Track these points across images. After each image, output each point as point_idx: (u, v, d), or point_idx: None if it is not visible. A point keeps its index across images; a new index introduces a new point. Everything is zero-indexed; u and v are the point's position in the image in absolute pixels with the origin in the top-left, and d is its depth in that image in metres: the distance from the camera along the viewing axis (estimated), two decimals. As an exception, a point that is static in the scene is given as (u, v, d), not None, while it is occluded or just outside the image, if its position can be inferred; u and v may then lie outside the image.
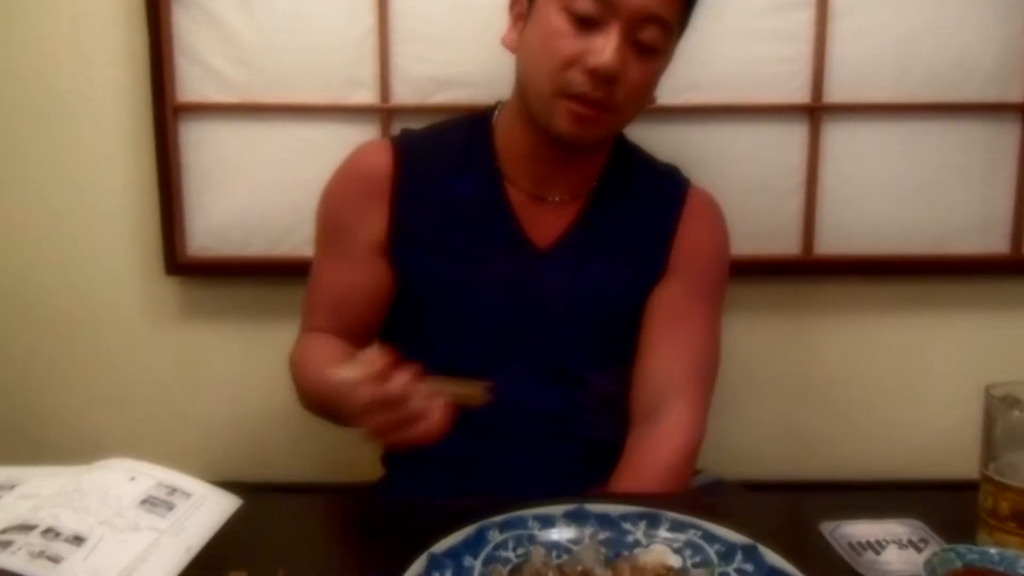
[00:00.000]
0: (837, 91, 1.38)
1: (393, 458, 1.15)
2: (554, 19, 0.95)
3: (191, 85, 1.39)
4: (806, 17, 1.36)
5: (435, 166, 1.06)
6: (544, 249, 1.05)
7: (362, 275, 1.06)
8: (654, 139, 1.28)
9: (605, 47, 0.92)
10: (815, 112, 1.39)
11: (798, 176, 1.41)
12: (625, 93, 0.96)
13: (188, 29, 1.36)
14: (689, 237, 1.08)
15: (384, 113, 1.39)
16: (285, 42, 1.37)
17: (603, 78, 0.93)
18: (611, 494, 0.95)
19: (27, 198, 1.44)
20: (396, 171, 1.05)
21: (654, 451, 0.99)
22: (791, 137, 1.40)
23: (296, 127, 1.40)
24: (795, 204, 1.41)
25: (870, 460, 1.50)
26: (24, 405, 1.50)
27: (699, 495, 1.07)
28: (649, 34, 0.94)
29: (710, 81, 1.38)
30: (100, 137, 1.42)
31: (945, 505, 0.84)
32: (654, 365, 1.04)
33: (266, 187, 1.41)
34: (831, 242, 1.42)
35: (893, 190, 1.41)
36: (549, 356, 1.06)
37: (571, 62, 0.94)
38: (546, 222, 1.06)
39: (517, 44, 1.01)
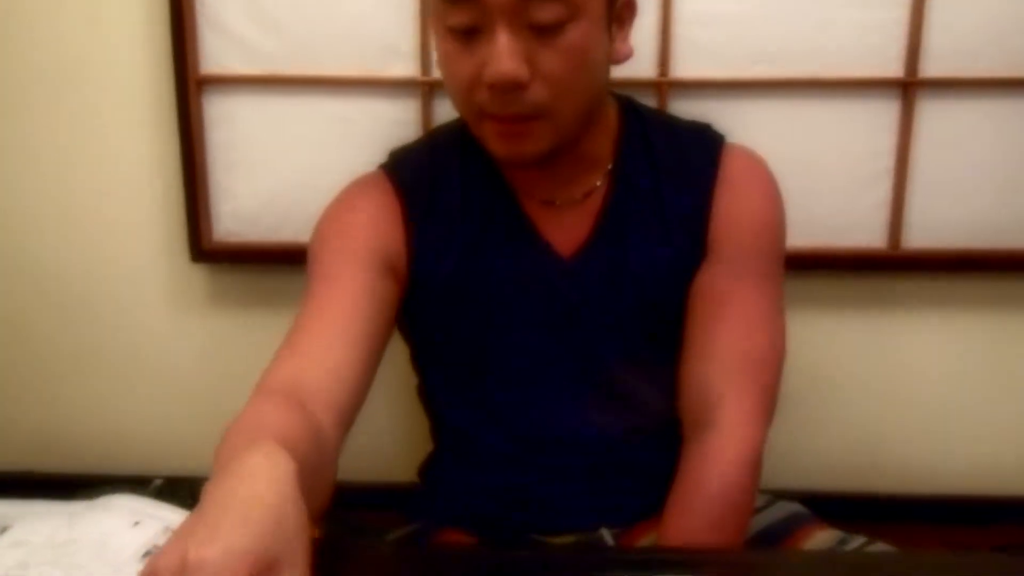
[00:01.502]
0: (935, 64, 1.22)
1: (432, 476, 1.05)
2: (443, 44, 0.83)
3: (215, 56, 1.27)
4: (902, -21, 1.20)
5: (438, 188, 0.94)
6: (569, 258, 0.93)
7: (366, 291, 0.88)
8: (721, 117, 1.14)
9: (492, 55, 0.78)
10: (909, 88, 1.22)
11: (886, 160, 1.25)
12: (548, 88, 0.80)
13: (212, -6, 1.25)
14: (727, 207, 0.92)
15: (425, 87, 1.26)
16: (317, 9, 1.25)
17: (506, 88, 0.79)
18: (672, 548, 0.84)
19: (43, 181, 1.35)
20: (401, 198, 0.94)
21: (704, 470, 0.87)
22: (880, 116, 1.24)
23: (329, 102, 1.28)
24: (882, 192, 1.26)
25: (951, 474, 1.36)
26: (45, 395, 1.43)
27: (776, 547, 0.94)
28: (544, 12, 0.77)
29: (788, 52, 1.22)
30: (118, 113, 1.32)
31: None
32: (699, 364, 0.91)
33: (297, 168, 1.30)
34: (921, 235, 1.27)
35: (993, 177, 1.25)
36: (592, 376, 0.94)
37: (472, 84, 0.81)
38: (567, 227, 0.93)
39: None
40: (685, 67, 1.24)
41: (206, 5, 1.25)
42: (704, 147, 0.95)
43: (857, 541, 0.90)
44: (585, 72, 0.82)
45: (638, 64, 1.23)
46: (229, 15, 1.25)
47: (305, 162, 1.30)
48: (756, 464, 0.88)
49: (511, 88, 0.79)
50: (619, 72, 0.93)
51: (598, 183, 0.93)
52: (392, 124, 1.27)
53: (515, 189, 0.93)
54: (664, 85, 1.24)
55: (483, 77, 0.79)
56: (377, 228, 0.92)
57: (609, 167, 0.93)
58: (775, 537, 0.94)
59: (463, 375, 0.97)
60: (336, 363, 0.81)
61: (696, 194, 0.92)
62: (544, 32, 0.78)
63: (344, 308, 0.86)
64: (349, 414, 0.82)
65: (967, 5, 1.20)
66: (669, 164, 0.93)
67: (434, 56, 1.15)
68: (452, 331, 0.95)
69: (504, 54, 0.77)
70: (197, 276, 1.36)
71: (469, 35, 0.80)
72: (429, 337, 0.98)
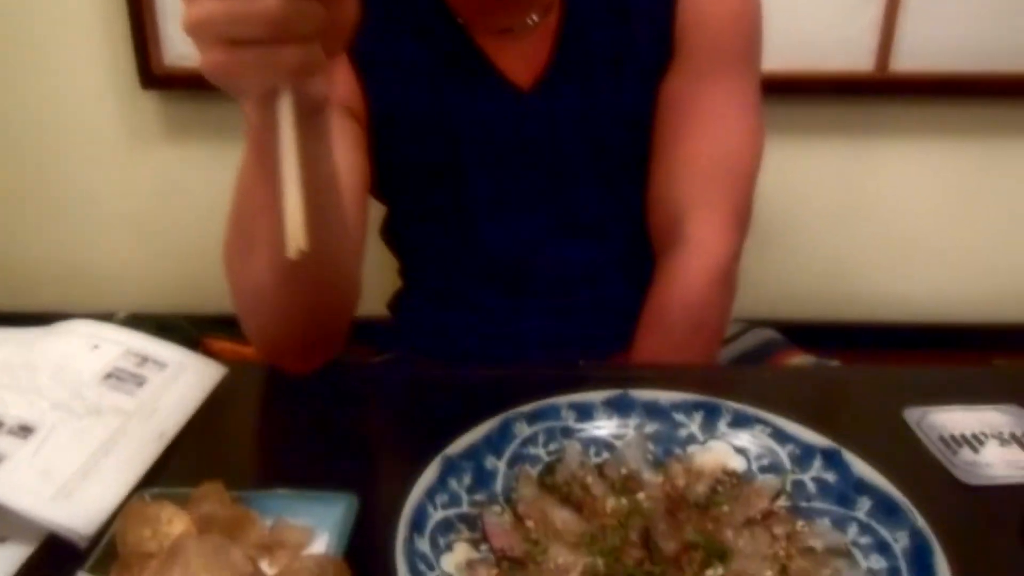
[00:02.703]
0: None
1: (402, 312, 1.03)
2: None
3: None
4: None
5: (384, 24, 0.84)
6: (528, 89, 0.85)
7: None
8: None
9: None
10: None
11: (879, -24, 1.19)
12: None
13: None
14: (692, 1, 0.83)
15: None
16: None
17: None
18: (647, 365, 0.83)
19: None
20: None
21: (669, 288, 0.83)
22: (876, -73, 1.17)
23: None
24: (872, 11, 1.20)
25: (927, 303, 1.37)
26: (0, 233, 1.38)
27: (751, 365, 0.94)
28: None
29: None
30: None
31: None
32: (665, 178, 0.85)
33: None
34: (910, 57, 1.22)
35: (989, -3, 1.20)
36: (565, 209, 0.89)
37: None
38: (525, 57, 0.85)
39: None
40: None
41: None
42: None
43: (832, 364, 0.90)
44: None
45: None
46: None
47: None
48: (725, 280, 0.83)
49: None
50: None
51: (553, 2, 0.84)
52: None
53: (466, 21, 0.85)
54: None
55: None
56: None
57: None
58: (751, 363, 0.94)
59: (431, 215, 0.92)
60: None
61: None
62: None
63: None
64: (360, 249, 0.79)
65: None
66: None
67: None
68: (416, 172, 0.89)
69: None
70: (149, 104, 1.29)
71: None
72: (393, 177, 0.92)
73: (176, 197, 1.35)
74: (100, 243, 1.38)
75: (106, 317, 1.29)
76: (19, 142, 1.32)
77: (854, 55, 1.22)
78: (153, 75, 1.24)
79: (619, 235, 0.92)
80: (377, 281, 1.17)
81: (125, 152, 1.32)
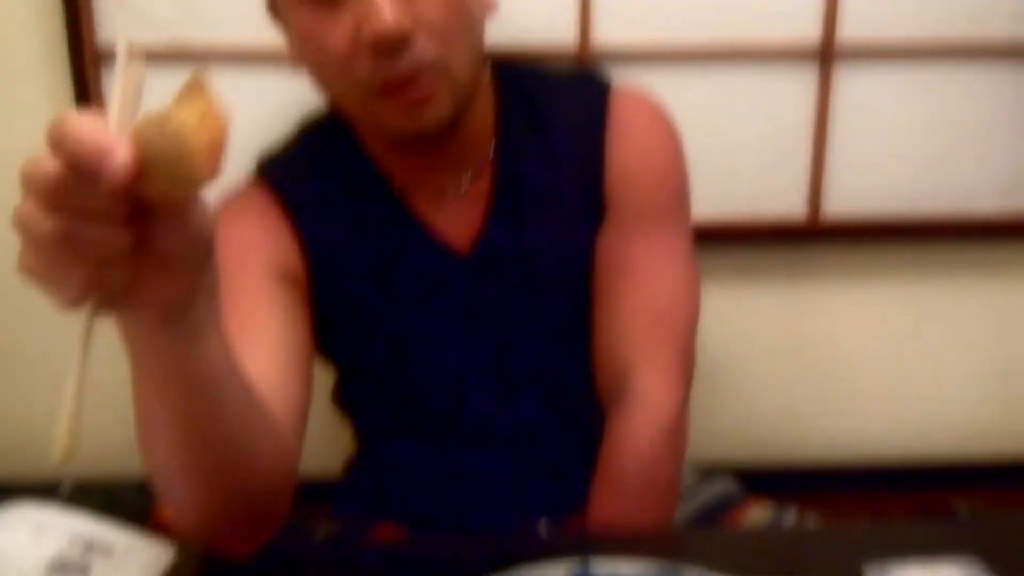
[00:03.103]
0: (851, 30, 1.21)
1: (358, 474, 1.01)
2: (301, 18, 0.77)
3: (113, 27, 1.19)
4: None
5: (323, 194, 0.88)
6: (466, 254, 0.87)
7: (275, 303, 0.80)
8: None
9: (370, 11, 0.71)
10: (826, 56, 1.22)
11: (805, 130, 1.25)
12: (433, 38, 0.74)
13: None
14: (620, 157, 0.86)
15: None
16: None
17: (394, 44, 0.72)
18: (607, 529, 0.82)
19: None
20: (284, 206, 0.87)
21: (618, 446, 0.83)
22: (798, 85, 1.24)
23: (239, 75, 1.22)
24: (801, 159, 1.27)
25: (879, 441, 1.39)
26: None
27: (709, 526, 0.94)
28: None
29: (702, 18, 1.20)
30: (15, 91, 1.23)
31: (999, 531, 0.75)
32: (607, 334, 0.87)
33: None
34: (840, 203, 1.28)
35: (911, 144, 1.27)
36: (514, 366, 0.90)
37: (350, 54, 0.74)
38: (460, 219, 0.87)
39: (297, 61, 0.82)
40: (602, 33, 1.21)
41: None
42: (590, 95, 0.89)
43: (790, 512, 0.91)
44: (463, 17, 0.77)
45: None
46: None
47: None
48: (674, 431, 0.84)
49: (397, 43, 0.72)
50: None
51: (485, 164, 0.87)
52: (303, 99, 1.22)
53: (400, 187, 0.88)
54: (584, 54, 1.21)
55: (363, 38, 0.72)
56: (267, 239, 0.85)
57: (493, 143, 0.88)
58: (710, 516, 0.94)
59: (381, 381, 0.92)
60: (269, 384, 0.71)
61: (587, 149, 0.86)
62: None
63: (258, 322, 0.78)
64: (299, 422, 0.77)
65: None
66: (557, 123, 0.87)
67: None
68: (363, 340, 0.90)
69: (384, 6, 0.71)
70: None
71: (332, 1, 0.74)
72: (340, 346, 0.93)
73: (122, 355, 1.33)
74: (44, 402, 1.34)
75: (51, 488, 1.25)
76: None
77: (786, 202, 1.28)
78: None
79: (570, 390, 0.92)
80: (336, 438, 1.15)
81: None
